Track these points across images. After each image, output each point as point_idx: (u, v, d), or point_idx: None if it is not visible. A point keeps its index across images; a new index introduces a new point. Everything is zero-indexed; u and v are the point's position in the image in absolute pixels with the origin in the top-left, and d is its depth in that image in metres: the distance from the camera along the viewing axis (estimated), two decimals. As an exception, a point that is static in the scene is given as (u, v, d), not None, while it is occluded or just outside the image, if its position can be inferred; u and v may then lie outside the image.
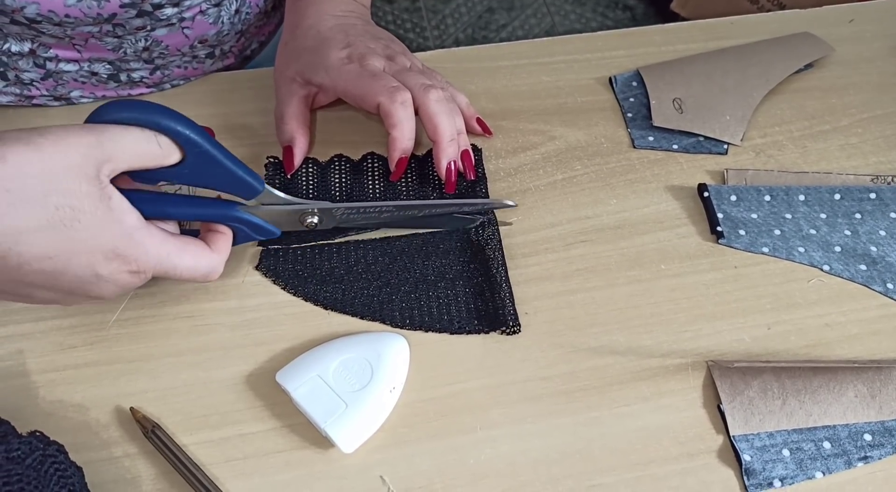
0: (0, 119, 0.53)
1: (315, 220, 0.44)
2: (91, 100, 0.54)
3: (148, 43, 0.50)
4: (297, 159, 0.49)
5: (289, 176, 0.49)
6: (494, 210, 0.49)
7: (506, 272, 0.46)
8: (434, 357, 0.43)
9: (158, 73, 0.54)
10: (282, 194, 0.41)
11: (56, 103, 0.53)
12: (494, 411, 0.42)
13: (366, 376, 0.40)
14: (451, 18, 1.90)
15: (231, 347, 0.43)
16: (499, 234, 0.48)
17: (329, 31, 0.50)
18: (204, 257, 0.38)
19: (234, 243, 0.41)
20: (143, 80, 0.54)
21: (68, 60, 0.50)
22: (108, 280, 0.35)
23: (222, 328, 0.44)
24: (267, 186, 0.40)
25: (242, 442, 0.40)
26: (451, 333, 0.44)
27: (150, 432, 0.39)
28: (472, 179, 0.49)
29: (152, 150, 0.35)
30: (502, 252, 0.47)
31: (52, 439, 0.36)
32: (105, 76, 0.52)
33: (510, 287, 0.45)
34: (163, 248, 0.36)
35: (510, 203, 0.47)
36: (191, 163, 0.36)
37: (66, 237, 0.32)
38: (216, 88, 0.55)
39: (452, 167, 0.47)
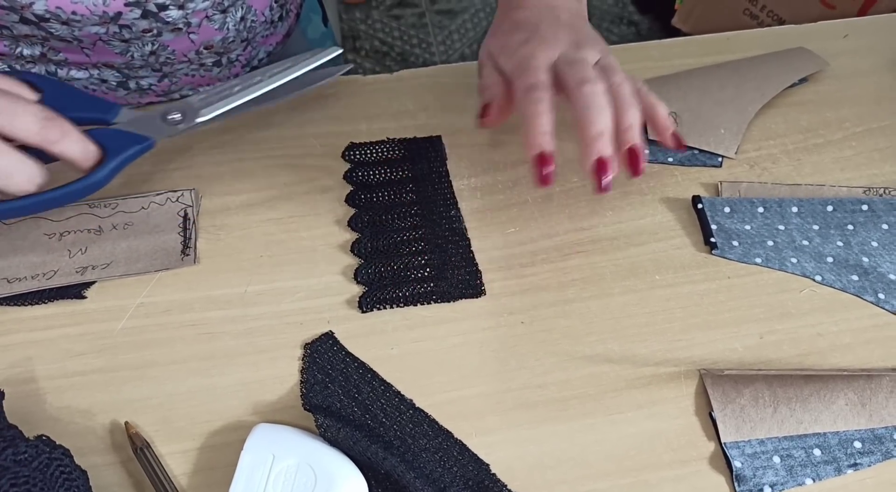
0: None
1: (177, 116, 0.46)
2: None
3: (155, 47, 0.52)
4: (492, 116, 0.49)
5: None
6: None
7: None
8: (431, 365, 0.44)
9: (166, 81, 0.55)
10: (139, 112, 0.46)
11: None
12: (490, 418, 0.42)
13: None
14: (457, 34, 1.93)
15: (234, 354, 0.44)
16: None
17: (526, 19, 0.49)
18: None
19: (115, 164, 0.43)
20: (152, 87, 0.55)
21: (79, 66, 0.52)
22: None
23: (226, 337, 0.45)
24: (123, 107, 0.45)
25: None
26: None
27: (139, 451, 0.40)
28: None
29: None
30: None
31: (58, 443, 0.37)
32: (114, 84, 0.53)
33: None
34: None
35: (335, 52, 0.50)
36: (49, 95, 0.42)
37: None
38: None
39: (598, 166, 0.43)
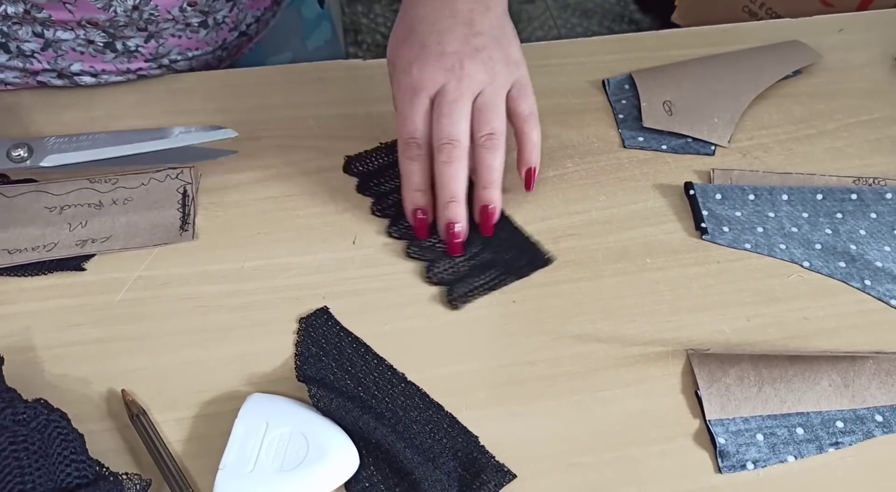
0: (13, 106, 0.55)
1: (23, 152, 0.44)
2: (93, 79, 0.56)
3: (137, 1, 0.51)
4: None
5: None
6: None
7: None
8: (424, 342, 0.45)
9: (153, 41, 0.55)
10: None
11: (59, 82, 0.55)
12: (480, 393, 0.43)
13: (293, 462, 0.38)
14: (458, 29, 1.93)
15: (230, 327, 0.45)
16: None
17: (421, 19, 0.47)
18: None
19: None
20: (140, 49, 0.55)
21: (64, 26, 0.51)
22: None
23: (222, 310, 0.46)
24: None
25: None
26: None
27: (135, 417, 0.41)
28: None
29: None
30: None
31: (55, 407, 0.38)
32: (101, 45, 0.53)
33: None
34: None
35: (228, 135, 0.49)
36: None
37: None
38: (223, 84, 0.58)
39: (447, 229, 0.47)
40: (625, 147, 0.56)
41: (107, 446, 0.40)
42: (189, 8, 0.55)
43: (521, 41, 0.50)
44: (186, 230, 0.49)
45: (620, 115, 0.57)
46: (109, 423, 0.41)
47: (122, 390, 0.42)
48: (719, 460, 0.40)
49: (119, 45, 0.55)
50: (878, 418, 0.42)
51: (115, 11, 0.52)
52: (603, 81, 0.60)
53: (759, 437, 0.41)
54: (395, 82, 0.48)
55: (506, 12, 0.50)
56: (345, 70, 0.59)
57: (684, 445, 0.41)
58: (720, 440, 0.41)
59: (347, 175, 0.53)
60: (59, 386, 0.42)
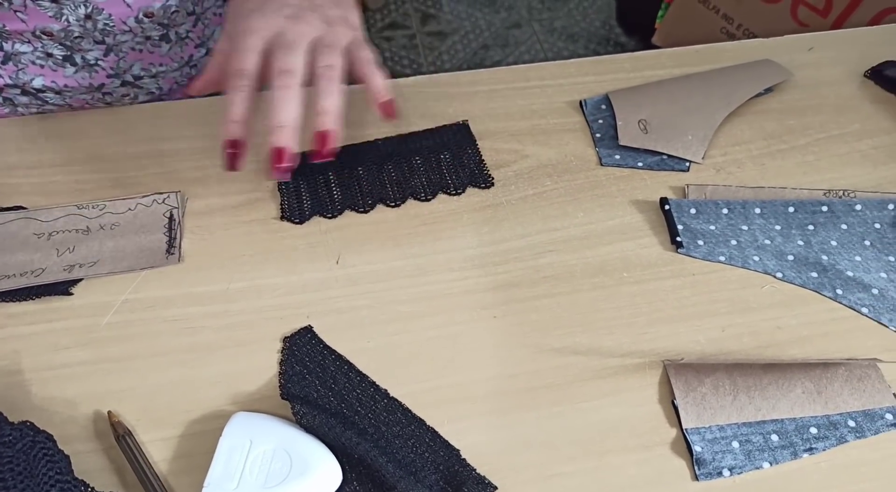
0: None
1: None
2: (58, 96, 0.56)
3: (89, 10, 0.50)
4: (195, 86, 0.50)
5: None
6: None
7: None
8: (406, 357, 0.46)
9: (113, 55, 0.54)
10: None
11: (24, 98, 0.55)
12: (462, 406, 0.44)
13: (277, 479, 0.39)
14: (446, 55, 1.97)
15: (215, 347, 0.46)
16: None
17: None
18: None
19: None
20: (100, 63, 0.54)
21: (20, 37, 0.51)
22: None
23: (207, 331, 0.47)
24: None
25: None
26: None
27: (121, 438, 0.41)
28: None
29: None
30: None
31: (41, 428, 0.39)
32: (60, 58, 0.53)
33: None
34: None
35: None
36: None
37: None
38: (210, 109, 0.59)
39: (273, 154, 0.45)
40: (602, 165, 0.57)
41: (93, 467, 0.41)
42: (146, 19, 0.54)
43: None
44: (173, 253, 0.50)
45: (597, 135, 0.59)
46: (96, 443, 0.42)
47: (109, 412, 0.43)
48: (696, 467, 0.41)
49: (78, 59, 0.54)
50: (851, 423, 0.43)
51: (67, 20, 0.51)
52: (580, 102, 0.61)
53: (735, 444, 0.42)
54: (230, 30, 0.47)
55: None
56: (328, 95, 0.61)
57: (662, 453, 0.42)
58: (696, 448, 0.42)
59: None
60: (46, 408, 0.43)
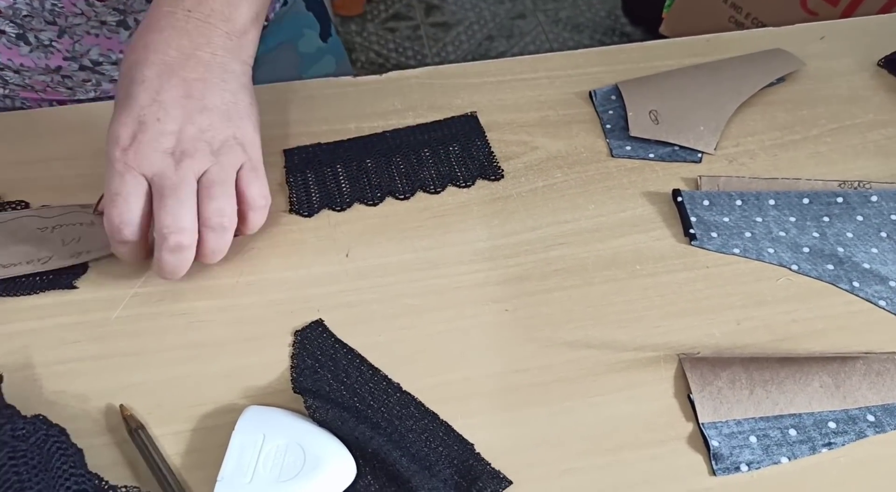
0: None
1: None
2: (18, 76, 0.54)
3: None
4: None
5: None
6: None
7: None
8: (417, 351, 0.46)
9: (67, 37, 0.52)
10: None
11: None
12: (474, 401, 0.44)
13: (290, 473, 0.39)
14: (451, 46, 1.96)
15: (225, 342, 0.46)
16: None
17: (156, 47, 0.41)
18: None
19: None
20: (54, 44, 0.51)
21: None
22: None
23: (217, 325, 0.47)
24: None
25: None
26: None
27: (134, 431, 0.41)
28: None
29: None
30: None
31: (54, 422, 0.39)
32: (14, 35, 0.51)
33: None
34: None
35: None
36: None
37: None
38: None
39: None
40: (612, 156, 0.56)
41: (106, 461, 0.41)
42: (98, 3, 0.51)
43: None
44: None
45: (608, 126, 0.58)
46: (108, 437, 0.42)
47: (121, 405, 0.42)
48: (713, 462, 0.41)
49: (32, 38, 0.51)
50: (870, 417, 0.43)
51: None
52: (590, 93, 0.61)
53: (753, 439, 0.42)
54: (108, 150, 0.42)
55: (245, 86, 0.45)
56: (335, 87, 0.60)
57: (677, 448, 0.42)
58: (713, 443, 0.41)
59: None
60: (57, 402, 0.43)
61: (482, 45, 1.92)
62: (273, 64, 0.69)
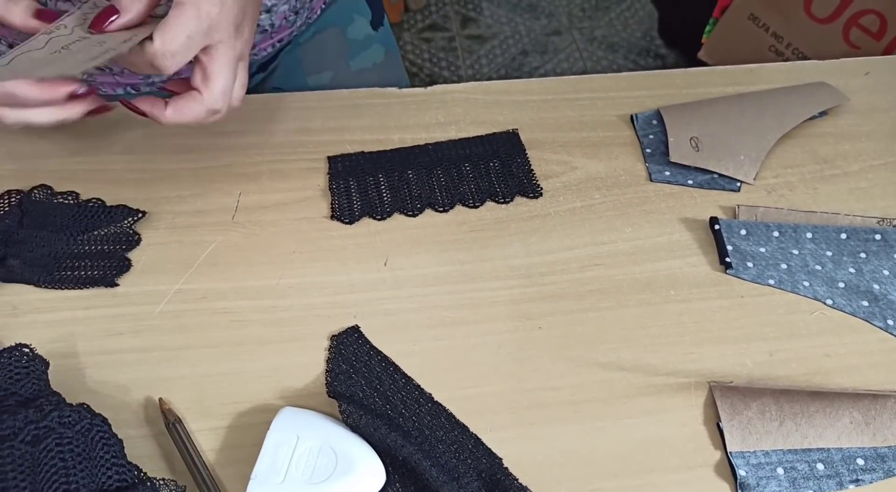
0: None
1: None
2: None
3: None
4: None
5: None
6: None
7: None
8: (450, 363, 0.46)
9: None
10: None
11: None
12: (504, 415, 0.44)
13: (322, 475, 0.39)
14: (485, 59, 1.97)
15: (264, 342, 0.47)
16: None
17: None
18: None
19: None
20: None
21: None
22: None
23: (257, 325, 0.48)
24: None
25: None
26: None
27: (171, 425, 0.42)
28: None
29: None
30: None
31: (97, 412, 0.40)
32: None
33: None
34: None
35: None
36: None
37: None
38: (261, 106, 0.60)
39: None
40: (651, 181, 0.57)
41: (143, 452, 0.42)
42: None
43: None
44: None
45: (648, 150, 0.59)
46: (146, 429, 0.43)
47: (160, 399, 0.44)
48: (740, 491, 0.41)
49: None
50: (899, 456, 0.43)
51: None
52: (631, 116, 0.61)
53: (780, 471, 0.42)
54: (223, 44, 0.44)
55: None
56: (381, 97, 0.62)
57: (705, 475, 0.42)
58: (741, 472, 0.42)
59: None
60: (99, 392, 0.44)
61: (516, 60, 1.94)
62: (320, 49, 0.68)
